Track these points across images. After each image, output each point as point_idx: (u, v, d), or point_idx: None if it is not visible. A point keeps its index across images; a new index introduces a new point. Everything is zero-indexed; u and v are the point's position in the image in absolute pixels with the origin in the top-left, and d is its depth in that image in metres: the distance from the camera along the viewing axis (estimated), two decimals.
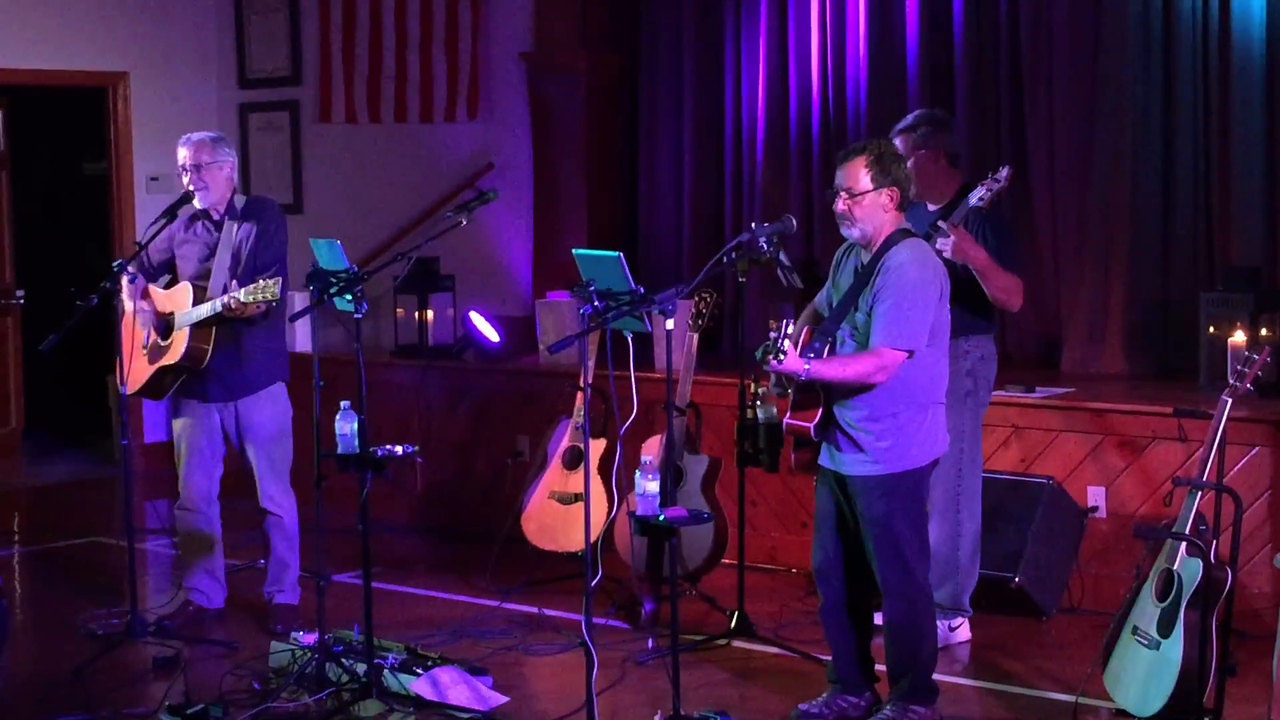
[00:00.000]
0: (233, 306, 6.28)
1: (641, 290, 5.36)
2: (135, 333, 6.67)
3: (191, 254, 6.65)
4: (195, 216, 6.68)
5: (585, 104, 9.34)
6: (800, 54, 8.79)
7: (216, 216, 6.63)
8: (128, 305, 6.62)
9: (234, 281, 6.44)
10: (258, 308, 6.32)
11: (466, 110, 9.72)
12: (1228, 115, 7.50)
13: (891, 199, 5.24)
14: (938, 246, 5.79)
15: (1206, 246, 7.65)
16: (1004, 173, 6.09)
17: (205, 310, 6.41)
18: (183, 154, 6.59)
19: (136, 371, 6.66)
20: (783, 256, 6.50)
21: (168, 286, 6.68)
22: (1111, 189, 7.78)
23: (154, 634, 6.53)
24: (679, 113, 9.30)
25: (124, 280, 6.52)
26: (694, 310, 6.81)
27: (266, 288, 6.14)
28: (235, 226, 6.59)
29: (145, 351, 6.64)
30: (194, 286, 6.53)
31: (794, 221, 5.52)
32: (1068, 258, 7.96)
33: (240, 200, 6.67)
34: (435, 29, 9.77)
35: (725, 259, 5.55)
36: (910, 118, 6.39)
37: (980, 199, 6.04)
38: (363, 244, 9.46)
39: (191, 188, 6.56)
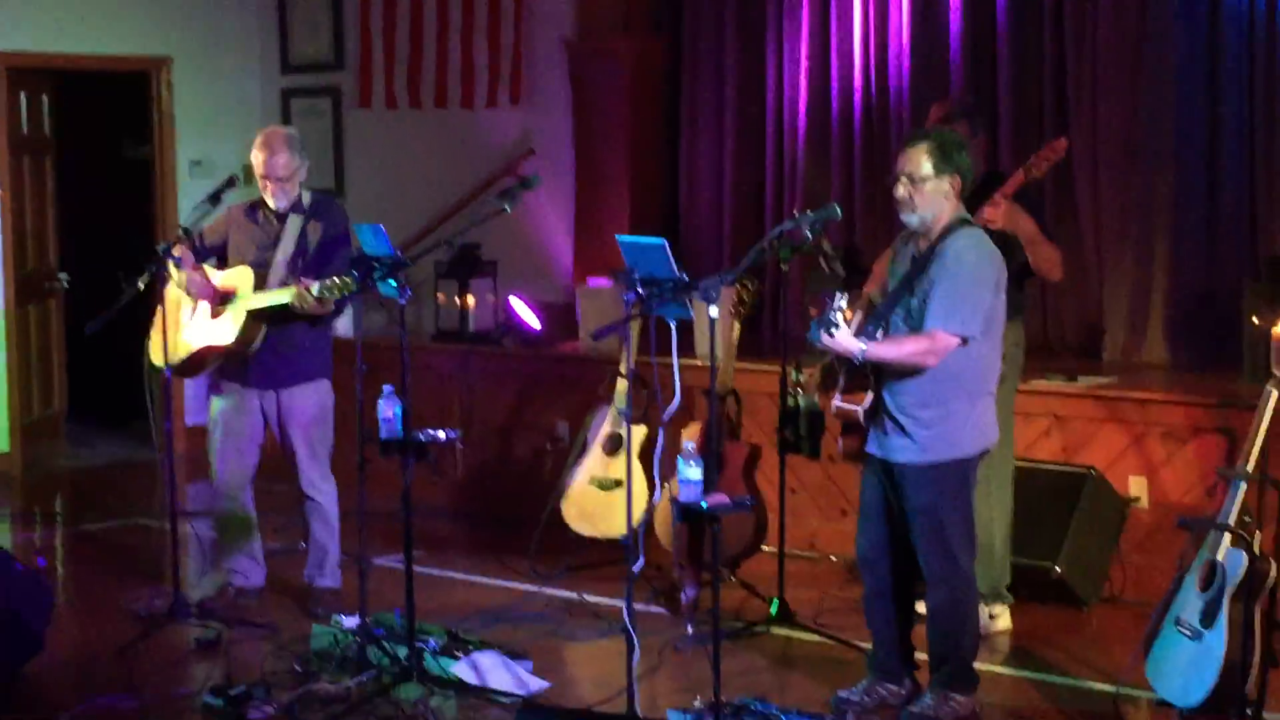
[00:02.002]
0: (307, 298, 6.26)
1: (685, 277, 5.34)
2: (178, 304, 6.63)
3: (250, 241, 6.64)
4: (256, 204, 6.69)
5: (627, 89, 9.32)
6: (842, 39, 8.76)
7: (280, 209, 6.63)
8: (175, 274, 6.55)
9: (291, 276, 6.43)
10: (326, 304, 6.32)
11: (508, 96, 9.71)
12: (1274, 102, 7.45)
13: (953, 186, 5.22)
14: (985, 217, 5.78)
15: (1250, 235, 7.60)
16: (1060, 142, 6.09)
17: (278, 298, 6.38)
18: (276, 161, 6.50)
19: (177, 345, 6.64)
20: (825, 244, 6.47)
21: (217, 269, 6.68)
22: (1155, 176, 7.73)
23: (196, 615, 6.58)
24: (720, 98, 9.27)
25: (170, 264, 6.52)
26: (735, 297, 6.80)
27: (346, 284, 6.04)
28: (301, 221, 6.58)
29: (190, 324, 6.63)
30: (255, 272, 6.53)
31: (839, 209, 5.47)
32: (1110, 246, 7.91)
33: (307, 196, 6.66)
34: (477, 14, 9.76)
35: (768, 246, 5.52)
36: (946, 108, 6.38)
37: (1036, 166, 6.03)
38: (403, 229, 9.45)
39: (271, 198, 6.55)
